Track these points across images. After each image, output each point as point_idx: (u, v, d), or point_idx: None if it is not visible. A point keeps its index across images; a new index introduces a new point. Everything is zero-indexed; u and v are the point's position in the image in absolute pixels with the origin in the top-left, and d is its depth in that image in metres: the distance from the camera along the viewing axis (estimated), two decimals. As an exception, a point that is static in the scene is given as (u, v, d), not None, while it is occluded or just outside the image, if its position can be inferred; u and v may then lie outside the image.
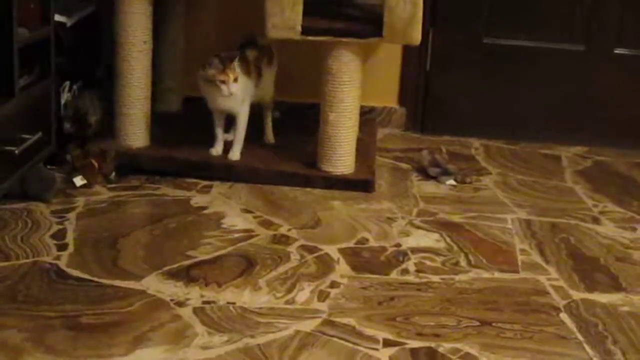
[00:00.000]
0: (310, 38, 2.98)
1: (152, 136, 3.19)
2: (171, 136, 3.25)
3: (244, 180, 3.07)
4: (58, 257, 2.44)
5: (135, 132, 3.14)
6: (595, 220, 2.95)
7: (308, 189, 3.04)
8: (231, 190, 3.01)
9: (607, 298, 2.40)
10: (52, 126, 2.81)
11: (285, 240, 2.65)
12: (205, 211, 2.83)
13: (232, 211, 2.84)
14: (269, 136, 3.31)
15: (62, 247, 2.50)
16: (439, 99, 3.80)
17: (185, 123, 3.44)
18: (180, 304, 2.22)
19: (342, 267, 2.49)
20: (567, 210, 3.01)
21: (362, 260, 2.55)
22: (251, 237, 2.65)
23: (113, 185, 2.98)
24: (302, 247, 2.60)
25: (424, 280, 2.45)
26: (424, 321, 2.22)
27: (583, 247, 2.73)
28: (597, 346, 2.14)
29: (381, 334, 2.14)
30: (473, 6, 3.73)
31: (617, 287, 2.47)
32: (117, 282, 2.32)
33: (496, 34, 3.74)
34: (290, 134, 3.38)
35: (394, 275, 2.47)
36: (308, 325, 2.16)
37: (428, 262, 2.55)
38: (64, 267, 2.39)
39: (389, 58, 3.75)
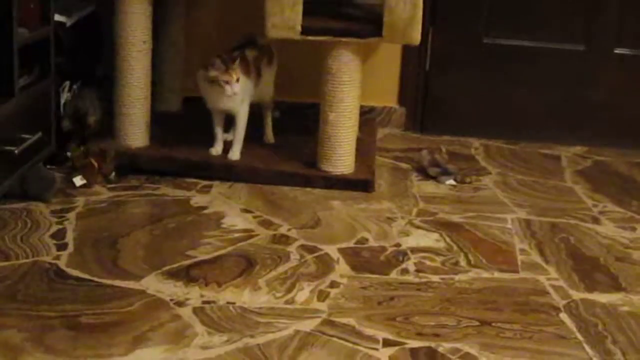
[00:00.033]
0: (310, 38, 2.98)
1: (151, 136, 3.19)
2: (171, 136, 3.25)
3: (243, 180, 3.07)
4: (58, 257, 2.44)
5: (135, 132, 3.14)
6: (595, 220, 2.95)
7: (308, 189, 3.04)
8: (231, 190, 3.01)
9: (606, 298, 2.40)
10: (52, 126, 2.81)
11: (285, 240, 2.65)
12: (205, 211, 2.83)
13: (232, 211, 2.84)
14: (269, 136, 3.31)
15: (61, 247, 2.50)
16: (439, 99, 3.80)
17: (185, 123, 3.44)
18: (180, 303, 2.22)
19: (342, 267, 2.49)
20: (567, 210, 3.01)
21: (361, 260, 2.55)
22: (251, 237, 2.65)
23: (113, 185, 2.98)
24: (302, 247, 2.60)
25: (424, 280, 2.45)
26: (424, 321, 2.22)
27: (583, 247, 2.73)
28: (597, 346, 2.14)
29: (381, 334, 2.14)
30: (473, 6, 3.73)
31: (616, 287, 2.47)
32: (117, 282, 2.32)
33: (496, 34, 3.74)
34: (290, 133, 3.38)
35: (394, 275, 2.47)
36: (308, 325, 2.16)
37: (428, 262, 2.55)
38: (63, 267, 2.39)
39: (388, 58, 3.75)
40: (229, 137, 3.16)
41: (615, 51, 3.73)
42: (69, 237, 2.57)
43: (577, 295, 2.41)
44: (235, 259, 2.50)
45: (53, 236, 2.57)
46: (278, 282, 2.37)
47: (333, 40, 2.98)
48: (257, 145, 3.24)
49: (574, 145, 3.72)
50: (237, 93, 2.95)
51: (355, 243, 2.65)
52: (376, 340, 2.11)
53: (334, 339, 2.10)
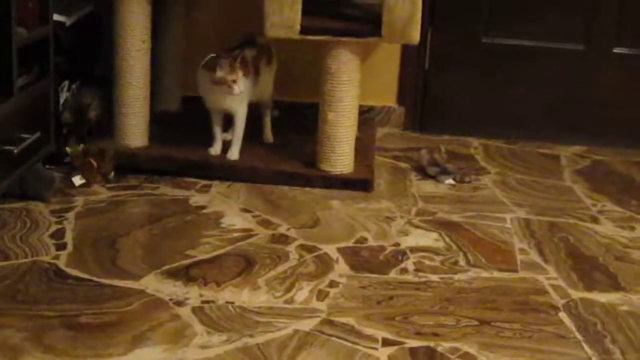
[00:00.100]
0: (309, 37, 2.98)
1: (151, 136, 3.19)
2: (170, 136, 3.25)
3: (243, 179, 3.07)
4: (57, 257, 2.44)
5: (134, 132, 3.14)
6: (594, 220, 2.95)
7: (307, 189, 3.04)
8: (230, 190, 3.01)
9: (605, 297, 2.40)
10: (51, 126, 2.81)
11: (284, 239, 2.65)
12: (204, 211, 2.83)
13: (231, 211, 2.84)
14: (268, 135, 3.31)
15: (61, 247, 2.50)
16: (438, 99, 3.80)
17: (184, 123, 3.44)
18: (179, 303, 2.22)
19: (341, 267, 2.49)
20: (566, 210, 3.01)
21: (361, 259, 2.55)
22: (250, 236, 2.65)
23: (112, 185, 2.98)
24: (301, 246, 2.60)
25: (423, 279, 2.45)
26: (423, 320, 2.22)
27: (582, 246, 2.73)
28: (596, 345, 2.15)
29: (380, 333, 2.14)
30: (472, 6, 3.73)
31: (615, 286, 2.47)
32: (116, 282, 2.32)
33: (495, 34, 3.74)
34: (289, 133, 3.38)
35: (393, 274, 2.47)
36: (307, 325, 2.16)
37: (427, 262, 2.55)
38: (62, 267, 2.39)
39: (387, 57, 3.75)
40: (228, 136, 3.16)
41: (615, 51, 3.73)
42: (68, 237, 2.57)
43: (576, 294, 2.41)
44: (235, 258, 2.50)
45: (52, 236, 2.57)
46: (277, 281, 2.37)
47: (332, 39, 2.98)
48: (256, 144, 3.24)
49: (573, 145, 3.72)
50: (243, 91, 2.96)
51: (355, 242, 2.66)
52: (375, 340, 2.11)
53: (333, 338, 2.11)
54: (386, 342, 2.10)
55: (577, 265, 2.59)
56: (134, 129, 3.14)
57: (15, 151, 2.51)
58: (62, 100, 3.12)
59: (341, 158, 3.08)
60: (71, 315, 2.14)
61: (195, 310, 2.19)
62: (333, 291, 2.34)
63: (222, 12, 3.70)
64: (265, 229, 2.71)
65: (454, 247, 2.67)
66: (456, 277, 2.47)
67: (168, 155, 3.12)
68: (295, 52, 3.37)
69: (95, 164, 2.97)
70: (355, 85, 3.06)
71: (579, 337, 2.18)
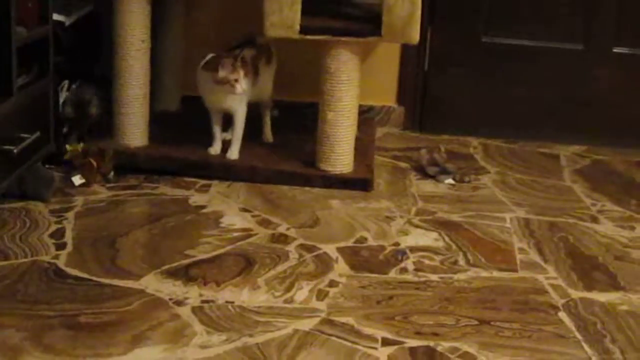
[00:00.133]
0: (308, 37, 2.98)
1: (150, 135, 3.19)
2: (170, 135, 3.25)
3: (242, 179, 3.07)
4: (57, 257, 2.44)
5: (134, 131, 3.14)
6: (594, 219, 2.95)
7: (307, 188, 3.04)
8: (230, 189, 3.01)
9: (605, 297, 2.40)
10: (51, 125, 2.81)
11: (284, 239, 2.65)
12: (204, 210, 2.83)
13: (231, 210, 2.84)
14: (268, 135, 3.31)
15: (60, 247, 2.50)
16: (438, 98, 3.80)
17: (184, 122, 3.44)
18: (179, 303, 2.22)
19: (341, 266, 2.49)
20: (566, 209, 3.02)
21: (360, 259, 2.55)
22: (250, 236, 2.65)
23: (111, 185, 2.98)
24: (301, 246, 2.60)
25: (423, 279, 2.45)
26: (423, 320, 2.22)
27: (582, 245, 2.73)
28: (596, 345, 2.15)
29: (380, 333, 2.14)
30: (471, 5, 3.73)
31: (615, 286, 2.47)
32: (116, 282, 2.32)
33: (495, 33, 3.74)
34: (289, 133, 3.38)
35: (393, 274, 2.47)
36: (307, 324, 2.16)
37: (427, 261, 2.55)
38: (62, 267, 2.39)
39: (387, 57, 3.75)
40: (227, 136, 3.16)
41: (614, 50, 3.73)
42: (68, 237, 2.57)
43: (575, 294, 2.41)
44: (234, 258, 2.50)
45: (52, 235, 2.57)
46: (277, 281, 2.37)
47: (332, 39, 2.98)
48: (256, 144, 3.24)
49: (572, 144, 3.72)
50: (245, 90, 2.96)
51: (354, 242, 2.65)
52: (375, 340, 2.11)
53: (333, 338, 2.11)
54: (386, 342, 2.10)
55: (576, 265, 2.59)
56: (134, 129, 3.14)
57: (15, 151, 2.51)
58: (61, 100, 3.12)
59: (341, 158, 3.08)
60: (71, 315, 2.14)
61: (195, 310, 2.19)
62: (333, 291, 2.34)
63: (222, 11, 3.70)
64: (264, 229, 2.71)
65: (454, 246, 2.67)
66: (456, 276, 2.47)
67: (168, 154, 3.12)
68: (294, 52, 3.37)
69: (95, 163, 2.97)
70: (354, 84, 3.06)
71: (579, 336, 2.18)
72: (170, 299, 2.24)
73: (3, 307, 2.15)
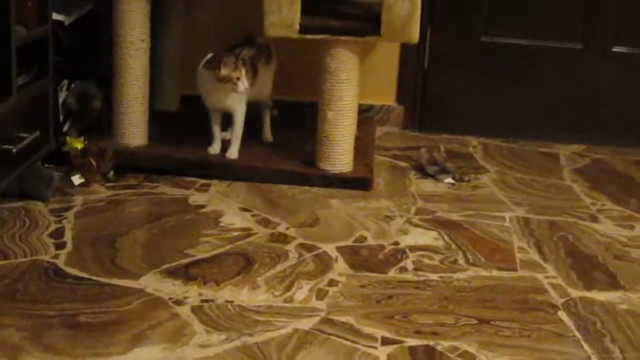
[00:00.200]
0: (308, 36, 2.98)
1: (150, 135, 3.19)
2: (169, 135, 3.25)
3: (242, 178, 3.07)
4: (56, 256, 2.44)
5: (134, 131, 3.15)
6: (594, 218, 2.95)
7: (306, 188, 3.04)
8: (229, 189, 3.01)
9: (605, 296, 2.40)
10: (50, 125, 2.81)
11: (283, 238, 2.65)
12: (204, 210, 2.83)
13: (231, 210, 2.84)
14: (267, 135, 3.31)
15: (60, 246, 2.50)
16: (437, 98, 3.80)
17: (183, 122, 3.44)
18: (179, 302, 2.22)
19: (341, 266, 2.49)
20: (565, 209, 3.02)
21: (360, 258, 2.55)
22: (249, 235, 2.65)
23: (111, 184, 2.98)
24: (301, 245, 2.60)
25: (422, 278, 2.45)
26: (422, 319, 2.22)
27: (581, 245, 2.73)
28: (595, 344, 2.15)
29: (379, 332, 2.14)
30: (471, 4, 3.73)
31: (615, 285, 2.47)
32: (116, 281, 2.32)
33: (494, 33, 3.74)
34: (289, 132, 3.38)
35: (392, 273, 2.47)
36: (306, 324, 2.16)
37: (426, 260, 2.55)
38: (62, 266, 2.39)
39: (387, 56, 3.75)
40: (227, 135, 3.16)
41: (614, 50, 3.73)
42: (68, 236, 2.57)
43: (575, 293, 2.41)
44: (234, 257, 2.50)
45: (51, 235, 2.57)
46: (277, 280, 2.37)
47: (331, 38, 2.98)
48: (255, 143, 3.24)
49: (572, 144, 3.72)
50: (247, 88, 2.96)
51: (354, 241, 2.66)
52: (374, 339, 2.11)
53: (333, 337, 2.11)
54: (385, 341, 2.10)
55: (576, 264, 2.59)
56: (133, 128, 3.14)
57: (15, 150, 2.51)
58: (61, 100, 3.12)
59: (340, 157, 3.08)
60: (70, 314, 2.14)
61: (195, 309, 2.19)
62: (332, 290, 2.34)
63: (222, 11, 3.70)
64: (264, 228, 2.71)
65: (453, 246, 2.67)
66: (455, 275, 2.47)
67: (167, 154, 3.12)
68: (294, 51, 3.37)
69: (94, 163, 2.97)
70: (354, 84, 3.05)
71: (578, 336, 2.18)
72: (169, 299, 2.24)
73: (3, 307, 2.15)
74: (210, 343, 2.05)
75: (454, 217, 2.89)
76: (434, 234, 2.75)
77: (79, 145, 3.02)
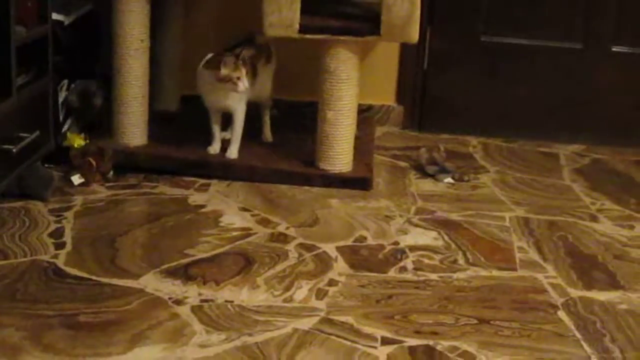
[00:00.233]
0: (308, 36, 2.98)
1: (149, 135, 3.19)
2: (169, 135, 3.25)
3: (241, 178, 3.07)
4: (56, 256, 2.44)
5: (133, 131, 3.15)
6: (593, 218, 2.95)
7: (306, 187, 3.04)
8: (229, 189, 3.01)
9: (605, 296, 2.40)
10: (50, 125, 2.81)
11: (283, 238, 2.65)
12: (203, 209, 2.83)
13: (230, 209, 2.84)
14: (267, 134, 3.31)
15: (60, 246, 2.50)
16: (437, 97, 3.79)
17: (183, 122, 3.44)
18: (179, 302, 2.22)
19: (340, 265, 2.49)
20: (565, 208, 3.02)
21: (360, 258, 2.55)
22: (249, 235, 2.65)
23: (111, 184, 2.98)
24: (300, 245, 2.60)
25: (422, 278, 2.45)
26: (422, 319, 2.22)
27: (581, 244, 2.73)
28: (595, 344, 2.15)
29: (379, 332, 2.14)
30: (471, 4, 3.73)
31: (614, 285, 2.47)
32: (115, 281, 2.32)
33: (494, 32, 3.74)
34: (288, 132, 3.38)
35: (392, 273, 2.47)
36: (306, 324, 2.16)
37: (426, 260, 2.55)
38: (62, 266, 2.39)
39: (386, 56, 3.75)
40: (226, 135, 3.16)
41: (613, 49, 3.73)
42: (67, 236, 2.57)
43: (575, 293, 2.41)
44: (234, 257, 2.50)
45: (51, 235, 2.57)
46: (276, 280, 2.37)
47: (331, 38, 2.98)
48: (255, 143, 3.24)
49: (572, 144, 3.72)
50: (247, 88, 2.96)
51: (354, 241, 2.65)
52: (374, 339, 2.11)
53: (332, 337, 2.11)
54: (385, 341, 2.10)
55: (576, 264, 2.59)
56: (133, 128, 3.14)
57: (14, 150, 2.51)
58: (61, 100, 3.12)
59: (340, 157, 3.08)
60: (70, 314, 2.14)
61: (195, 309, 2.19)
62: (332, 290, 2.34)
63: (221, 11, 3.70)
64: (264, 228, 2.71)
65: (453, 245, 2.67)
66: (455, 275, 2.47)
67: (167, 154, 3.12)
68: (294, 51, 3.37)
69: (94, 163, 2.97)
70: (354, 84, 3.05)
71: (578, 335, 2.18)
72: (169, 298, 2.24)
73: (2, 307, 2.15)
74: (210, 343, 2.05)
75: (454, 217, 2.89)
76: (433, 233, 2.75)
77: (80, 141, 3.02)
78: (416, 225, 2.80)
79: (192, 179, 3.05)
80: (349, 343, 2.08)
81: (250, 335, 2.09)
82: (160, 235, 2.62)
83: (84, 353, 1.98)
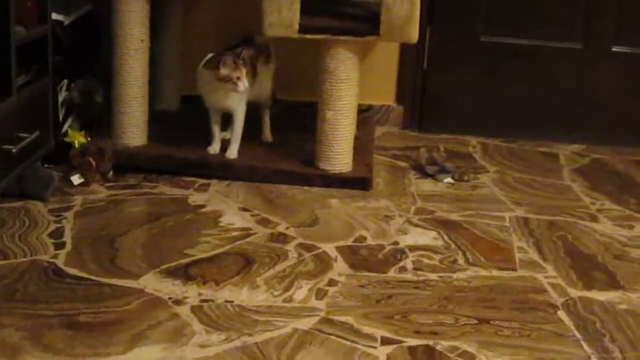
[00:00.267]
0: (307, 36, 2.98)
1: (149, 135, 3.19)
2: (169, 135, 3.25)
3: (241, 178, 3.07)
4: (56, 256, 2.44)
5: (133, 131, 3.15)
6: (593, 218, 2.95)
7: (306, 187, 3.04)
8: (229, 189, 3.01)
9: (604, 296, 2.40)
10: (50, 124, 2.81)
11: (283, 238, 2.65)
12: (203, 209, 2.83)
13: (230, 209, 2.84)
14: (267, 134, 3.31)
15: (59, 246, 2.50)
16: (437, 97, 3.80)
17: (183, 122, 3.44)
18: (178, 302, 2.22)
19: (340, 265, 2.49)
20: (565, 208, 3.02)
21: (360, 258, 2.55)
22: (249, 235, 2.65)
23: (111, 184, 2.98)
24: (300, 245, 2.60)
25: (422, 278, 2.45)
26: (422, 319, 2.22)
27: (581, 244, 2.73)
28: (595, 344, 2.15)
29: (379, 332, 2.14)
30: (470, 4, 3.73)
31: (614, 285, 2.47)
32: (115, 281, 2.32)
33: (494, 32, 3.74)
34: (288, 132, 3.38)
35: (392, 273, 2.47)
36: (306, 324, 2.16)
37: (426, 260, 2.55)
38: (61, 266, 2.39)
39: (386, 56, 3.75)
40: (226, 135, 3.16)
41: (613, 49, 3.73)
42: (67, 236, 2.57)
43: (575, 293, 2.41)
44: (234, 257, 2.50)
45: (51, 235, 2.57)
46: (276, 280, 2.37)
47: (331, 38, 2.98)
48: (255, 143, 3.24)
49: (571, 144, 3.72)
50: (247, 88, 2.96)
51: (353, 241, 2.65)
52: (374, 339, 2.11)
53: (332, 337, 2.11)
54: (385, 341, 2.10)
55: (576, 264, 2.59)
56: (133, 128, 3.14)
57: (14, 150, 2.51)
58: (60, 100, 3.12)
59: (340, 157, 3.08)
60: (70, 314, 2.14)
61: (194, 309, 2.19)
62: (332, 290, 2.34)
63: (221, 11, 3.70)
64: (264, 228, 2.71)
65: (453, 245, 2.67)
66: (455, 275, 2.47)
67: (167, 154, 3.12)
68: (294, 51, 3.37)
69: (94, 163, 2.97)
70: (354, 84, 3.06)
71: (578, 335, 2.18)
72: (169, 298, 2.24)
73: (2, 307, 2.15)
74: (209, 343, 2.05)
75: (454, 216, 2.89)
76: (433, 233, 2.75)
77: (80, 138, 3.02)
78: (416, 225, 2.80)
79: (192, 179, 3.05)
80: (348, 343, 2.08)
81: (250, 335, 2.09)
82: (160, 236, 2.62)
83: (84, 353, 1.97)
